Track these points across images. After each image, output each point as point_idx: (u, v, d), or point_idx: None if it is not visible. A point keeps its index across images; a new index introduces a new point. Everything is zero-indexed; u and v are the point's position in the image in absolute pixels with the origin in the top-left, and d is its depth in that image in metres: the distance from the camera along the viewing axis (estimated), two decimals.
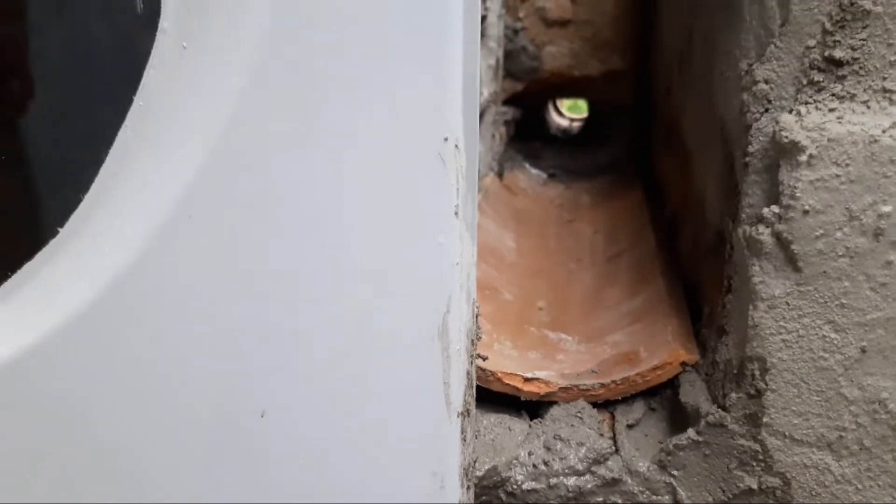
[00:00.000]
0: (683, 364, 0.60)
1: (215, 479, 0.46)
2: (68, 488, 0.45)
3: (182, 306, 0.43)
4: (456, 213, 0.41)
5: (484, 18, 1.23)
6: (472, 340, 0.49)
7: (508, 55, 1.40)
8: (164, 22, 0.40)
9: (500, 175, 1.37)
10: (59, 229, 0.44)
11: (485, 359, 0.59)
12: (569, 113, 1.97)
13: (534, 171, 1.56)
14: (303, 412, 0.45)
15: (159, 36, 0.40)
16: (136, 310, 0.42)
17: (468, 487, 0.52)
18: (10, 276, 0.44)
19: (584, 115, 1.74)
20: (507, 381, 0.63)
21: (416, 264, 0.42)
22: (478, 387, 0.63)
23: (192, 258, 0.42)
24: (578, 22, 1.38)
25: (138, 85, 0.41)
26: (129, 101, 0.41)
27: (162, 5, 0.40)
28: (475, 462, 0.55)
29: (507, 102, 1.46)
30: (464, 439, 0.50)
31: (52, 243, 0.44)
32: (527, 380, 0.63)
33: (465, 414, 0.49)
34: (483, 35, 1.26)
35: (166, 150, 0.42)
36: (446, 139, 0.40)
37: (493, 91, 1.29)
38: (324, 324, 0.43)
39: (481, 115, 1.29)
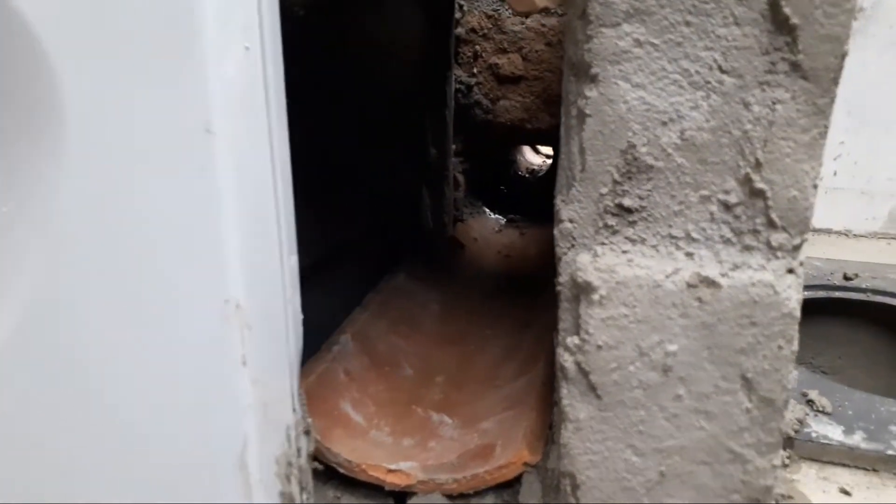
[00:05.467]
0: (526, 464, 0.63)
1: None
2: None
3: None
4: (244, 363, 0.45)
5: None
6: (290, 462, 0.53)
7: (464, 109, 1.44)
8: None
9: (452, 227, 1.41)
10: None
11: (323, 464, 0.63)
12: (545, 150, 1.98)
13: (493, 216, 1.58)
14: None
15: None
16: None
17: None
18: None
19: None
20: (371, 473, 0.67)
21: (212, 411, 0.46)
22: (347, 476, 0.67)
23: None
24: (530, 78, 1.41)
25: None
26: None
27: None
28: None
29: (464, 153, 1.49)
30: None
31: None
32: (390, 471, 0.67)
33: None
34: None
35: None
36: (226, 301, 0.44)
37: (440, 151, 1.33)
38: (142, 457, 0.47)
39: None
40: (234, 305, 0.44)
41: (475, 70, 1.43)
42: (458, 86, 1.42)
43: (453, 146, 1.40)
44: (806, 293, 1.18)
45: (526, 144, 1.70)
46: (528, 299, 1.10)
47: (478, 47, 1.41)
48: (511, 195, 1.66)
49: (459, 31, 1.40)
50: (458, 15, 1.38)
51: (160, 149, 0.40)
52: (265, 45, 0.43)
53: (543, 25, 1.36)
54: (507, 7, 1.39)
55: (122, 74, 0.40)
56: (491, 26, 1.40)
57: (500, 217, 1.59)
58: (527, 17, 1.36)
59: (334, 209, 0.85)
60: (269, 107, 0.45)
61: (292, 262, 0.51)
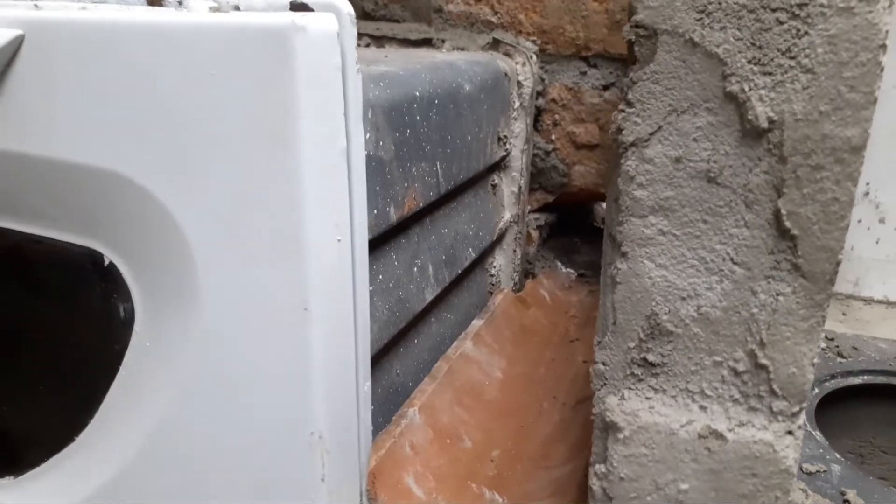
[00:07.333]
0: None
1: None
2: None
3: None
4: (322, 480, 0.57)
5: (507, 155, 1.38)
6: None
7: (541, 172, 1.53)
8: (137, 326, 0.58)
9: (523, 281, 1.50)
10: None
11: None
12: None
13: (564, 270, 1.66)
14: None
15: (134, 336, 0.58)
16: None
17: None
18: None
19: None
20: None
21: None
22: None
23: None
24: (605, 146, 1.48)
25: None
26: (117, 371, 0.60)
27: (136, 314, 0.58)
28: None
29: (540, 210, 1.58)
30: None
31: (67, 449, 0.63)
32: None
33: None
34: (507, 167, 1.40)
35: (136, 405, 0.60)
36: (312, 433, 0.55)
37: (514, 213, 1.42)
38: None
39: (503, 235, 1.43)
40: (318, 436, 0.55)
41: (553, 137, 1.51)
42: (536, 151, 1.51)
43: (528, 207, 1.49)
44: (865, 377, 1.21)
45: (601, 201, 1.76)
46: (588, 366, 1.18)
47: (557, 116, 1.50)
48: (585, 244, 1.73)
49: (540, 101, 1.49)
50: (539, 87, 1.47)
51: (269, 319, 0.52)
52: (354, 236, 0.54)
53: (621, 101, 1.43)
54: (586, 80, 1.47)
55: (242, 259, 0.52)
56: (570, 98, 1.48)
57: (572, 271, 1.66)
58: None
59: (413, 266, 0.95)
60: (356, 281, 0.55)
61: (366, 387, 0.62)
